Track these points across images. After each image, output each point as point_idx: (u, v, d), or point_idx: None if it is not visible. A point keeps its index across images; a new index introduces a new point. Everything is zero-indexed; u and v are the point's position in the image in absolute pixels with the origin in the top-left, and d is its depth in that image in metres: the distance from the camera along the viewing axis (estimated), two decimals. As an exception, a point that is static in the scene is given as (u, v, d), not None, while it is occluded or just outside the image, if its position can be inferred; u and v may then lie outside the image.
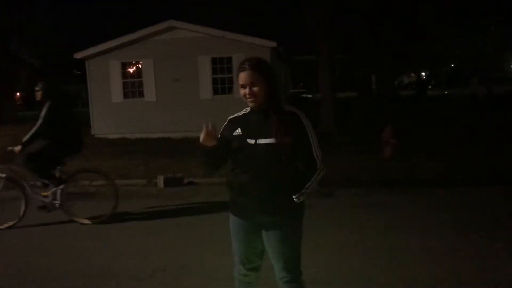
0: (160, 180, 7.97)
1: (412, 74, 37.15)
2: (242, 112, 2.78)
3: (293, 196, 2.61)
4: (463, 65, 34.51)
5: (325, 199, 6.65)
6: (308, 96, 27.37)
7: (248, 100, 2.64)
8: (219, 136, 2.69)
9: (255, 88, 2.61)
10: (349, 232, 5.13)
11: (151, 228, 5.60)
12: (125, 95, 15.03)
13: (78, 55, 15.10)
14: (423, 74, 34.37)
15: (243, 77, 2.64)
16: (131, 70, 15.38)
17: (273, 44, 14.22)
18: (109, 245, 5.01)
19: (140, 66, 15.09)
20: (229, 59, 14.35)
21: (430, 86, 32.40)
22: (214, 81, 14.53)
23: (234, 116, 2.79)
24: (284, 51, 16.90)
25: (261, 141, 2.60)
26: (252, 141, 2.62)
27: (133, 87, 15.02)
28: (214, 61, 14.46)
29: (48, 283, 4.03)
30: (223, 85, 14.55)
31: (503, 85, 21.75)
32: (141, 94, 14.96)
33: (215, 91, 14.57)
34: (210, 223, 5.70)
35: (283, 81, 18.90)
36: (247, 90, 2.62)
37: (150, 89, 14.85)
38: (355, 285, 3.77)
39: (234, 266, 2.85)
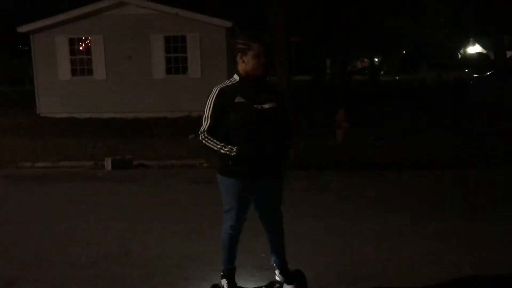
0: (108, 162, 7.67)
1: (365, 60, 37.78)
2: (231, 82, 3.02)
3: (291, 150, 3.16)
4: (414, 52, 35.46)
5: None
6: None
7: (261, 69, 2.96)
8: (213, 107, 2.97)
9: (264, 60, 2.97)
10: (299, 215, 5.11)
11: (95, 212, 5.36)
12: (73, 73, 14.34)
13: (22, 29, 14.25)
14: (376, 59, 35.04)
15: (262, 49, 2.95)
16: (79, 47, 14.67)
17: (228, 24, 13.94)
18: (46, 231, 4.74)
19: (89, 42, 14.42)
20: (183, 38, 13.98)
21: (382, 72, 33.09)
22: (168, 60, 14.13)
23: (223, 85, 3.01)
24: (240, 31, 16.65)
25: (266, 106, 2.95)
26: (258, 107, 2.94)
27: (81, 65, 14.35)
28: (167, 39, 14.02)
29: (-20, 272, 3.77)
30: (176, 65, 14.17)
31: (450, 72, 22.54)
32: (90, 72, 14.33)
33: (169, 71, 14.18)
34: (157, 207, 5.54)
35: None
36: (261, 60, 2.95)
37: (100, 67, 14.24)
38: (304, 268, 3.75)
39: (226, 221, 3.15)
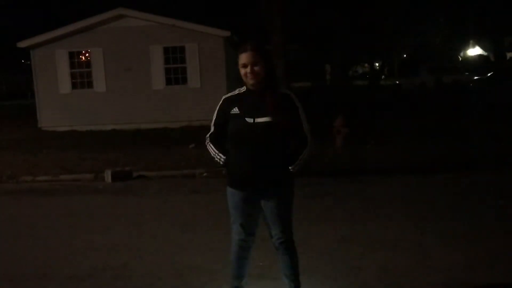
0: (108, 174, 7.70)
1: (366, 65, 37.86)
2: (237, 92, 3.02)
3: (289, 167, 2.93)
4: (414, 55, 35.52)
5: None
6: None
7: (249, 78, 2.88)
8: (217, 116, 3.04)
9: (256, 68, 2.85)
10: (299, 223, 5.10)
11: (93, 225, 5.37)
12: (74, 86, 14.44)
13: (22, 44, 14.37)
14: (376, 64, 35.12)
15: (245, 57, 2.88)
16: (79, 60, 14.77)
17: (226, 33, 14.02)
18: (45, 244, 4.75)
19: (88, 55, 14.53)
20: (182, 49, 14.07)
21: (383, 76, 33.14)
22: (167, 71, 14.21)
23: (229, 95, 3.03)
24: (238, 40, 16.74)
25: (259, 119, 2.85)
26: (250, 120, 2.87)
27: (81, 78, 14.45)
28: (166, 50, 14.12)
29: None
30: (176, 75, 14.24)
31: (450, 75, 22.55)
32: (90, 85, 14.42)
33: (168, 81, 14.25)
34: (156, 218, 5.54)
35: (238, 71, 18.77)
36: (248, 69, 2.86)
37: (100, 79, 14.34)
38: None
39: (233, 234, 3.09)
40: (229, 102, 2.98)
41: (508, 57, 26.40)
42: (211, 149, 3.07)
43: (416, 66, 26.73)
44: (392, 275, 3.73)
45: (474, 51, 42.53)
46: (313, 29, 20.60)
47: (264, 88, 2.90)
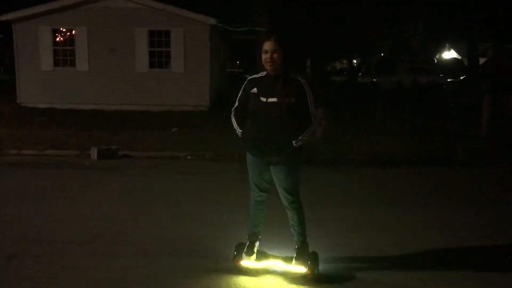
0: (94, 152, 7.86)
1: (345, 61, 38.45)
2: (260, 75, 3.48)
3: (293, 142, 3.34)
4: (392, 55, 36.26)
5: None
6: (246, 76, 27.44)
7: (267, 63, 3.32)
8: (241, 93, 3.52)
9: (275, 55, 3.28)
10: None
11: (86, 197, 5.60)
12: (56, 63, 14.37)
13: (4, 17, 14.18)
14: (355, 61, 35.73)
15: (268, 44, 3.31)
16: (63, 38, 14.69)
17: (213, 21, 14.17)
18: (45, 212, 4.97)
19: (73, 33, 14.46)
20: (167, 33, 14.16)
21: (360, 73, 33.75)
22: (151, 54, 14.29)
23: (253, 77, 3.53)
24: (224, 29, 16.89)
25: (270, 99, 3.32)
26: (264, 99, 3.35)
27: (64, 55, 14.39)
28: (151, 33, 14.19)
29: (-20, 248, 3.98)
30: (160, 59, 14.35)
31: (426, 76, 23.24)
32: (73, 63, 14.39)
33: (152, 65, 14.35)
34: (144, 193, 5.80)
35: (222, 59, 18.92)
36: (268, 55, 3.30)
37: (83, 58, 14.31)
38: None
39: (251, 190, 3.64)
40: (252, 83, 3.48)
41: (481, 62, 27.36)
42: (234, 121, 3.58)
43: (393, 66, 27.38)
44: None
45: (450, 54, 43.71)
46: (295, 24, 20.90)
47: (279, 74, 3.34)
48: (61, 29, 14.54)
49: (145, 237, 4.30)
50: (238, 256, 3.64)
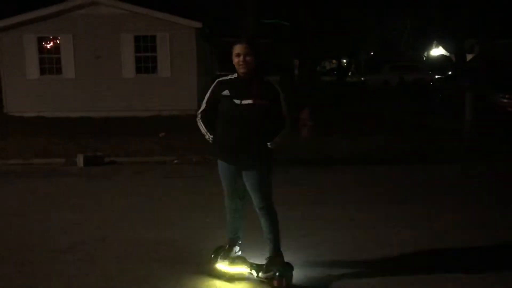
0: (80, 159, 7.86)
1: (334, 61, 38.65)
2: (229, 77, 3.43)
3: (268, 144, 3.34)
4: (379, 53, 36.51)
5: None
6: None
7: (241, 67, 3.31)
8: (209, 94, 3.46)
9: (247, 58, 3.28)
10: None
11: (70, 204, 5.60)
12: (42, 71, 14.32)
13: (-12, 26, 14.13)
14: (344, 61, 35.91)
15: (239, 47, 3.31)
16: (48, 46, 14.65)
17: (198, 24, 14.21)
18: (24, 222, 4.97)
19: (58, 41, 14.42)
20: (153, 38, 14.17)
21: (349, 73, 33.95)
22: (137, 59, 14.29)
23: (222, 79, 3.46)
24: (209, 32, 16.93)
25: (244, 101, 3.28)
26: (238, 101, 3.30)
27: (50, 63, 14.34)
28: (137, 39, 14.19)
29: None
30: (146, 64, 14.35)
31: (412, 74, 23.45)
32: (59, 71, 14.34)
33: (138, 70, 14.34)
34: (129, 200, 5.81)
35: (208, 62, 18.94)
36: (241, 59, 3.28)
37: (69, 65, 14.27)
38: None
39: (225, 198, 3.60)
40: (222, 85, 3.42)
41: (468, 59, 27.60)
42: (201, 126, 3.51)
43: (380, 65, 27.60)
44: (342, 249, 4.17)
45: (438, 51, 44.02)
46: (283, 24, 20.99)
47: (252, 77, 3.34)
48: (46, 37, 14.50)
49: (129, 243, 4.32)
50: (214, 260, 3.63)
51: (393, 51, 35.10)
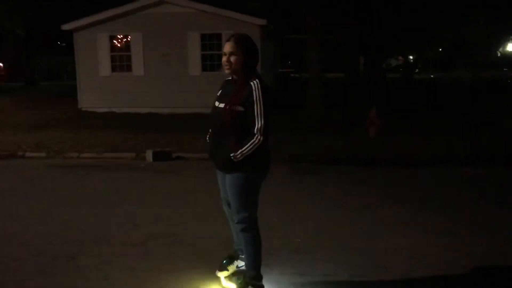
0: (149, 154, 8.07)
1: (400, 57, 37.33)
2: (230, 77, 3.18)
3: (231, 155, 2.97)
4: (450, 50, 34.81)
5: (309, 175, 6.88)
6: (296, 75, 27.37)
7: (225, 66, 3.05)
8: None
9: (232, 58, 3.01)
10: (330, 206, 5.35)
11: (141, 199, 5.74)
12: (113, 69, 14.93)
13: (66, 27, 14.90)
14: (411, 57, 34.60)
15: (226, 46, 3.05)
16: (119, 44, 15.24)
17: (262, 22, 14.20)
18: (97, 214, 5.13)
19: (129, 39, 14.96)
20: (219, 36, 14.31)
21: (417, 70, 32.66)
22: (203, 57, 14.51)
23: (228, 78, 3.22)
24: (274, 29, 16.89)
25: (220, 105, 3.06)
26: (217, 104, 3.11)
27: (121, 61, 14.92)
28: (203, 37, 14.41)
29: (42, 247, 4.16)
30: (212, 62, 14.53)
31: (488, 70, 22.16)
32: (129, 68, 14.88)
33: (204, 68, 14.56)
34: (197, 195, 5.86)
35: (271, 60, 18.91)
36: (225, 58, 3.03)
37: (139, 63, 14.78)
38: (336, 254, 3.98)
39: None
40: (222, 84, 3.23)
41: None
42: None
43: (451, 61, 26.31)
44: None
45: (513, 47, 41.32)
46: (346, 20, 20.53)
47: (236, 78, 3.06)
48: (118, 35, 15.09)
49: (197, 238, 4.34)
50: (220, 267, 3.44)
51: (465, 47, 33.39)
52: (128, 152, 8.55)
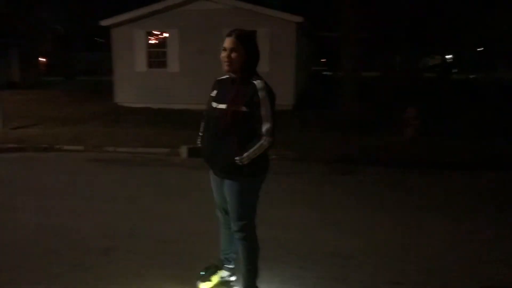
0: (184, 150, 8.12)
1: (437, 57, 36.42)
2: (225, 76, 2.97)
3: (235, 158, 2.78)
4: (490, 49, 33.70)
5: (345, 176, 6.76)
6: (328, 73, 27.07)
7: (225, 63, 2.83)
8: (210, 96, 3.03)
9: (233, 54, 2.80)
10: (367, 208, 5.23)
11: (176, 194, 5.77)
12: (149, 65, 15.14)
13: (104, 23, 15.20)
14: (448, 57, 33.71)
15: (226, 41, 2.84)
16: (155, 40, 15.43)
17: (299, 19, 14.08)
18: (138, 208, 5.19)
19: (164, 36, 15.13)
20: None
21: (455, 70, 31.79)
22: (238, 54, 14.50)
23: (219, 78, 3.04)
24: (309, 26, 16.73)
25: (220, 106, 2.84)
26: (215, 105, 2.90)
27: (157, 57, 15.11)
28: (238, 34, 14.39)
29: (78, 242, 4.22)
30: (246, 59, 14.50)
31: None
32: (164, 65, 15.06)
33: (238, 65, 14.55)
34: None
35: (306, 57, 18.75)
36: (225, 54, 2.82)
37: (174, 59, 14.92)
38: (375, 259, 3.88)
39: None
40: (215, 84, 3.03)
41: None
42: (201, 125, 3.13)
43: (492, 60, 25.45)
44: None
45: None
46: (382, 18, 20.18)
47: (237, 77, 2.86)
48: (154, 32, 15.27)
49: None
50: (202, 277, 3.29)
51: (506, 46, 32.24)
52: (162, 148, 8.63)
